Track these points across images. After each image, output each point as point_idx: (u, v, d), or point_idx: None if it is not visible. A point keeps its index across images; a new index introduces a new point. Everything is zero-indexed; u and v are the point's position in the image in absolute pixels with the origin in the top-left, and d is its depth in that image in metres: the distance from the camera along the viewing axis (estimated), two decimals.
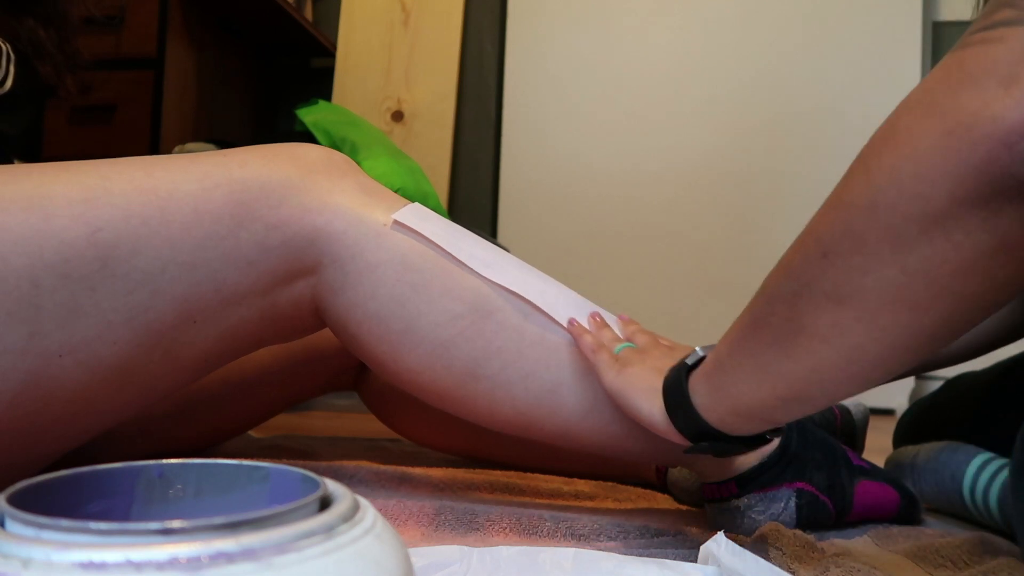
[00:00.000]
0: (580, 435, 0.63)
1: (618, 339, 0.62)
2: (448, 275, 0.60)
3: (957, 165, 0.35)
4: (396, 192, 0.66)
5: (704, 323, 2.04)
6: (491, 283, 0.61)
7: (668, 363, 0.57)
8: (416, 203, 0.62)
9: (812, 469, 0.68)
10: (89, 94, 1.05)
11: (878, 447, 1.01)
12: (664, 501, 0.82)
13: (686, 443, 0.55)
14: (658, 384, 0.55)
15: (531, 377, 0.61)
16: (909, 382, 1.98)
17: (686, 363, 0.54)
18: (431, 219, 0.62)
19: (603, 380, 0.59)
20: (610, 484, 0.85)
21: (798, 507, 0.67)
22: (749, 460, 0.66)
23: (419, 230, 0.60)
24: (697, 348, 0.54)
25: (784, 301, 0.44)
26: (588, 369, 0.61)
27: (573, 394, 0.61)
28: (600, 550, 0.53)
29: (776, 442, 0.67)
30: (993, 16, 0.35)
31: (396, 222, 0.60)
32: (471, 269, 0.61)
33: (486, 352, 0.60)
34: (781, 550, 0.57)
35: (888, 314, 0.39)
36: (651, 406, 0.55)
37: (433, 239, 0.60)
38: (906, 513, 0.74)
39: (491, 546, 0.53)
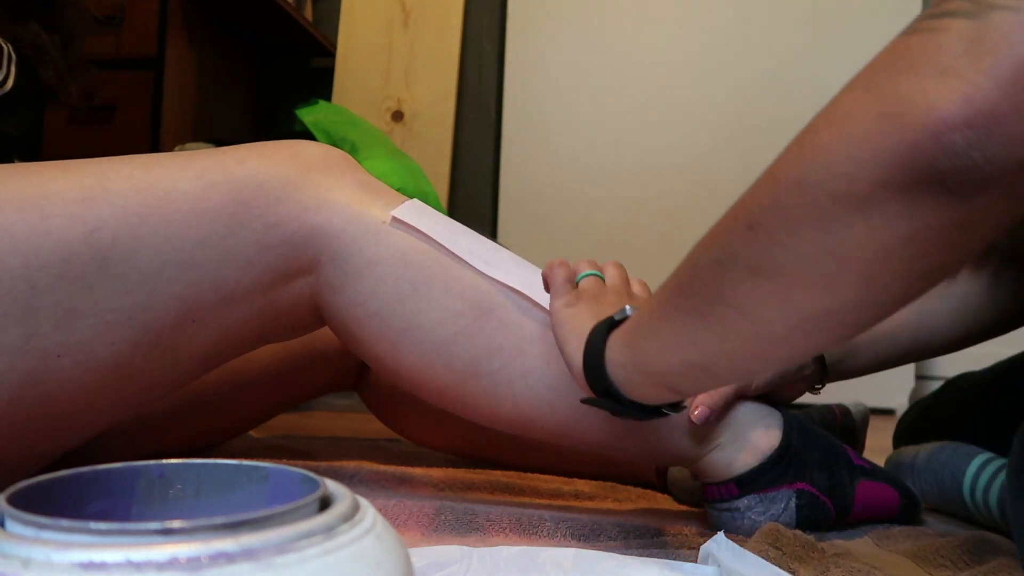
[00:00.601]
0: (581, 433, 0.63)
1: (591, 267, 0.62)
2: (448, 272, 0.60)
3: (885, 149, 0.35)
4: (396, 191, 0.66)
5: None
6: (491, 280, 0.61)
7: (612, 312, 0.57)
8: (415, 199, 0.62)
9: (813, 469, 0.68)
10: (92, 101, 1.06)
11: (878, 447, 1.01)
12: (664, 501, 0.82)
13: (590, 394, 0.55)
14: (589, 328, 0.56)
15: (532, 374, 0.61)
16: (909, 382, 1.98)
17: (613, 318, 0.54)
18: (430, 216, 0.61)
19: (551, 304, 0.59)
20: (610, 484, 0.85)
21: (798, 508, 0.67)
22: (749, 461, 0.66)
23: (418, 227, 0.60)
24: (627, 307, 0.55)
25: (708, 269, 0.44)
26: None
27: (575, 392, 0.61)
28: (600, 550, 0.53)
29: (777, 442, 0.67)
30: (944, 5, 0.35)
31: (395, 219, 0.60)
32: (471, 266, 0.60)
33: (487, 350, 0.60)
34: (781, 550, 0.57)
35: (802, 292, 0.39)
36: (575, 348, 0.56)
37: (432, 236, 0.60)
38: (907, 513, 0.73)
39: (491, 546, 0.53)
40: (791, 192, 0.39)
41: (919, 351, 0.79)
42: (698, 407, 0.64)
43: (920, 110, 0.33)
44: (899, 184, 0.35)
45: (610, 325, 0.54)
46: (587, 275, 0.61)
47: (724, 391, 0.66)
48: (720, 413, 0.65)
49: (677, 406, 0.55)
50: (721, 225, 0.44)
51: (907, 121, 0.34)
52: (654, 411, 0.54)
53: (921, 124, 0.33)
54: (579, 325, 0.56)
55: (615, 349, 0.52)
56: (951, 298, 0.78)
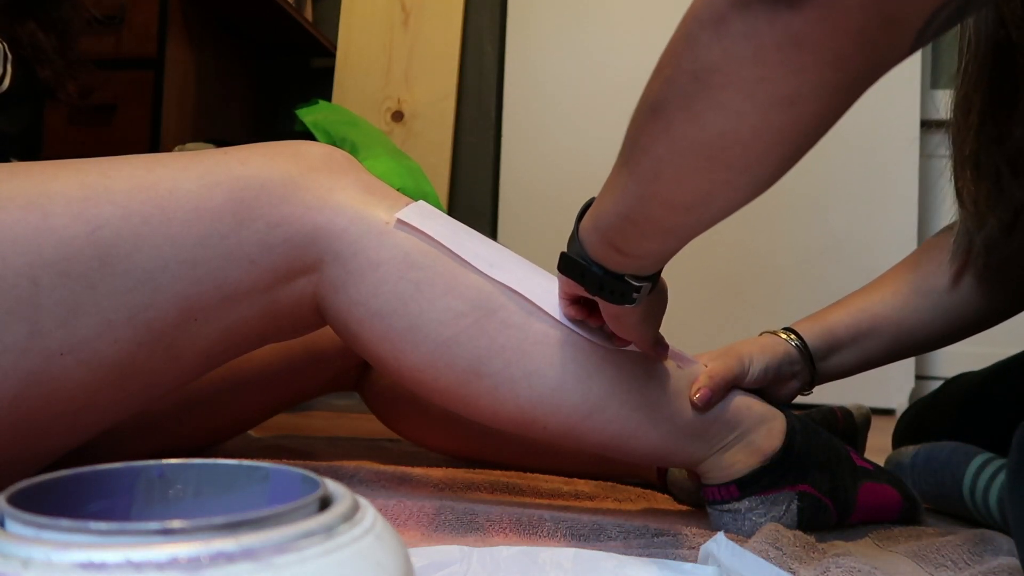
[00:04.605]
0: (583, 434, 0.63)
1: None
2: (451, 273, 0.60)
3: None
4: (398, 192, 0.66)
5: (703, 320, 2.04)
6: (495, 282, 0.61)
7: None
8: (421, 201, 0.62)
9: (815, 471, 0.68)
10: (90, 98, 1.06)
11: (878, 447, 1.01)
12: (664, 501, 0.82)
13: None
14: None
15: (534, 375, 0.60)
16: (909, 382, 1.98)
17: (594, 198, 0.57)
18: (435, 217, 0.61)
19: None
20: (610, 484, 0.85)
21: (800, 510, 0.67)
22: (751, 462, 0.66)
23: (423, 229, 0.60)
24: None
25: (632, 119, 0.46)
26: (592, 368, 0.61)
27: (576, 393, 0.61)
28: (600, 550, 0.53)
29: (780, 443, 0.66)
30: None
31: (400, 221, 0.60)
32: (475, 268, 0.60)
33: (489, 350, 0.60)
34: (781, 550, 0.57)
35: (679, 124, 0.41)
36: None
37: (437, 238, 0.60)
38: (908, 515, 0.73)
39: (491, 546, 0.53)
40: (678, 29, 0.41)
41: (902, 347, 0.79)
42: (699, 390, 0.64)
43: None
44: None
45: (592, 200, 0.56)
46: None
47: (722, 375, 0.66)
48: (720, 395, 0.65)
49: (642, 280, 0.55)
50: None
51: None
52: (619, 279, 0.54)
53: None
54: None
55: (588, 215, 0.55)
56: (932, 295, 0.78)
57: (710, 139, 0.41)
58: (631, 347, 0.63)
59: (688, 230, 0.49)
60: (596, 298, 0.56)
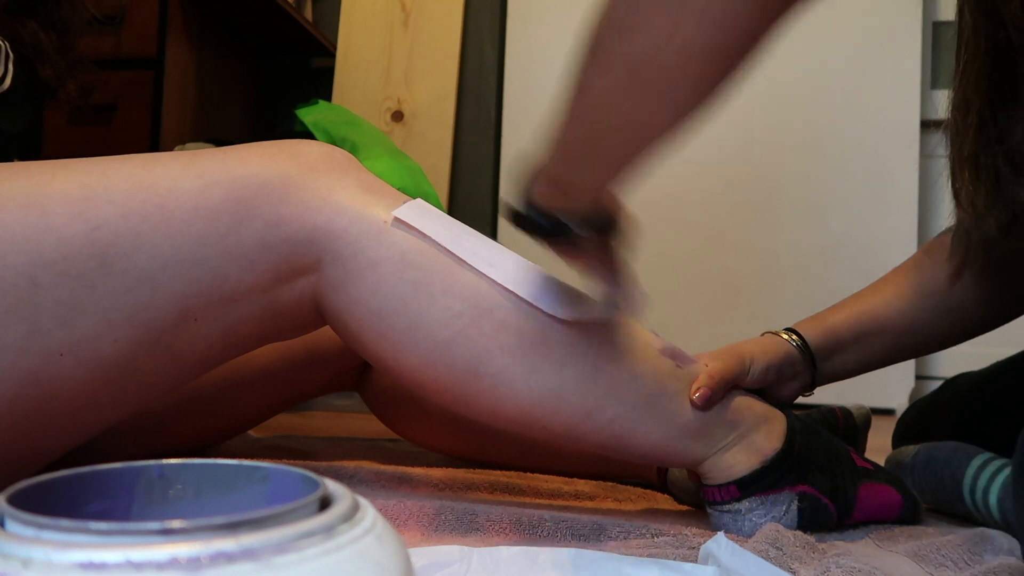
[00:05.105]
0: (583, 434, 0.63)
1: None
2: (449, 273, 0.60)
3: None
4: (398, 191, 0.66)
5: (704, 320, 2.04)
6: (492, 281, 0.61)
7: None
8: (418, 199, 0.62)
9: (815, 471, 0.68)
10: (90, 98, 1.06)
11: (878, 447, 1.01)
12: (664, 501, 0.82)
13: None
14: None
15: (534, 375, 0.60)
16: (909, 382, 1.98)
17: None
18: (432, 216, 0.61)
19: None
20: (610, 484, 0.85)
21: (800, 510, 0.67)
22: (751, 463, 0.66)
23: (420, 228, 0.60)
24: None
25: (577, 64, 0.48)
26: (591, 368, 0.61)
27: (576, 393, 0.61)
28: (600, 550, 0.53)
29: (780, 443, 0.66)
30: None
31: (397, 219, 0.60)
32: (472, 267, 0.60)
33: (487, 350, 0.60)
34: (781, 550, 0.57)
35: (607, 44, 0.44)
36: None
37: (434, 237, 0.60)
38: (908, 515, 0.73)
39: (491, 546, 0.53)
40: None
41: (904, 348, 0.79)
42: (699, 389, 0.64)
43: None
44: None
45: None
46: None
47: (722, 375, 0.66)
48: (720, 395, 0.65)
49: (571, 224, 0.57)
50: None
51: None
52: (559, 224, 0.56)
53: None
54: None
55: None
56: (934, 296, 0.78)
57: (635, 57, 0.43)
58: (638, 336, 0.63)
59: (618, 158, 0.51)
60: (546, 245, 0.58)
